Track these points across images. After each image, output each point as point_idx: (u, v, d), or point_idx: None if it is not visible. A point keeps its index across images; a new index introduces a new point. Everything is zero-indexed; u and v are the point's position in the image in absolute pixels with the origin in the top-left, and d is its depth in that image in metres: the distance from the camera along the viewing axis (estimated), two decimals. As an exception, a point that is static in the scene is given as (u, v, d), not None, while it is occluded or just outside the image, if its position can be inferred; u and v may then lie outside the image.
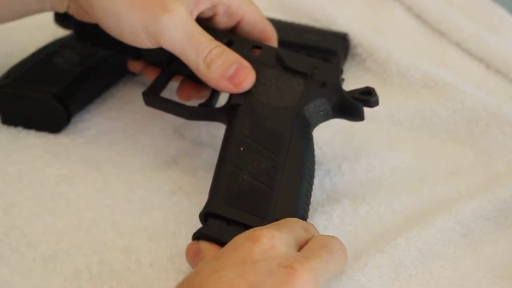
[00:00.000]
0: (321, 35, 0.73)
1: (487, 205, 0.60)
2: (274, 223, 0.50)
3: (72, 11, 0.63)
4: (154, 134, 0.67)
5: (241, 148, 0.55)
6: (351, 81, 0.72)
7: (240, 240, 0.46)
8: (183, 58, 0.59)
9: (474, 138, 0.67)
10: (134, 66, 0.67)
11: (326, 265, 0.46)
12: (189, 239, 0.57)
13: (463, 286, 0.55)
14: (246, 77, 0.59)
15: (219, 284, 0.42)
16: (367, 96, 0.59)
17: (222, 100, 0.63)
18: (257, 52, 0.61)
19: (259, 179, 0.54)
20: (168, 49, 0.59)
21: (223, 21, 0.63)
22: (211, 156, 0.65)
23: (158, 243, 0.57)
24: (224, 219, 0.52)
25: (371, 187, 0.63)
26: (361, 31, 0.76)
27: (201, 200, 0.61)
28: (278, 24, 0.74)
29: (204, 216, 0.54)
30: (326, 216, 0.60)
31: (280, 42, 0.71)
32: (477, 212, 0.59)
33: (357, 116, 0.59)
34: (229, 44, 0.61)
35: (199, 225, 0.58)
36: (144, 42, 0.58)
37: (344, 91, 0.59)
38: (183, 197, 0.61)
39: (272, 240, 0.45)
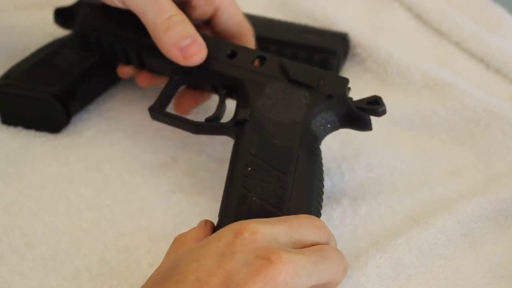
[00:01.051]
0: (321, 35, 0.73)
1: (487, 205, 0.60)
2: (279, 217, 0.49)
3: None
4: (154, 134, 0.67)
5: (249, 168, 0.55)
6: (351, 81, 0.72)
7: (225, 231, 0.46)
8: (142, 17, 0.60)
9: (474, 138, 0.67)
10: (124, 71, 0.67)
11: (313, 266, 0.46)
12: (189, 239, 0.57)
13: (463, 286, 0.55)
14: (198, 53, 0.59)
15: (197, 272, 0.43)
16: (374, 106, 0.58)
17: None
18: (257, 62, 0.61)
19: (267, 201, 0.53)
20: (130, 7, 0.60)
21: (201, 4, 0.63)
22: (211, 156, 0.65)
23: (158, 243, 0.57)
24: None
25: (371, 187, 0.63)
26: (361, 31, 0.76)
27: (201, 200, 0.61)
28: (278, 24, 0.74)
29: None
30: (326, 216, 0.60)
31: (280, 42, 0.72)
32: (477, 212, 0.59)
33: (365, 126, 0.59)
34: (232, 55, 0.61)
35: (199, 225, 0.58)
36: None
37: (351, 102, 0.58)
38: (183, 197, 0.61)
39: (255, 235, 0.45)
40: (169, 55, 0.60)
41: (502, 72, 0.74)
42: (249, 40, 0.65)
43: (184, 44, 0.59)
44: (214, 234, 0.47)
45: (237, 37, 0.64)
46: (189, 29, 0.60)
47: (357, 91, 0.68)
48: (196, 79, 0.63)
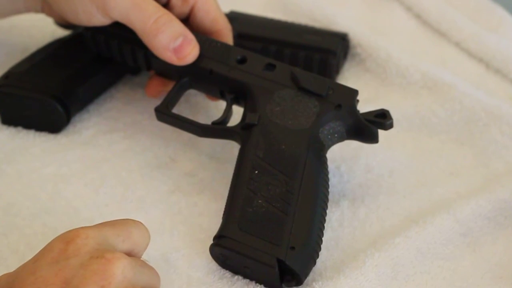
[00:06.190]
0: (321, 35, 0.73)
1: (486, 204, 0.60)
2: (104, 222, 0.50)
3: (47, 13, 0.64)
4: (154, 134, 0.67)
5: (256, 171, 0.55)
6: (351, 81, 0.72)
7: (55, 241, 0.47)
8: (130, 25, 0.60)
9: (473, 138, 0.67)
10: (152, 92, 0.68)
11: (141, 267, 0.47)
12: (186, 240, 0.57)
13: (461, 287, 0.56)
14: (191, 52, 0.60)
15: (35, 285, 0.44)
16: (382, 119, 0.59)
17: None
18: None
19: (274, 204, 0.54)
20: (116, 19, 0.60)
21: (178, 5, 0.63)
22: (210, 156, 0.65)
23: (156, 243, 0.57)
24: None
25: (369, 188, 0.63)
26: (361, 31, 0.76)
27: (200, 200, 0.61)
28: (278, 24, 0.74)
29: (218, 238, 0.54)
30: (324, 217, 0.60)
31: (280, 42, 0.72)
32: (476, 211, 0.60)
33: (371, 138, 0.59)
34: (242, 61, 0.61)
35: (196, 225, 0.58)
36: (97, 18, 0.60)
37: (359, 114, 0.59)
38: (182, 197, 0.61)
39: (86, 239, 0.46)
40: (162, 57, 0.60)
41: (501, 72, 0.74)
42: (226, 37, 0.65)
43: (176, 45, 0.60)
44: (45, 246, 0.47)
45: (214, 34, 0.64)
46: (178, 27, 0.60)
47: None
48: (204, 83, 0.63)
